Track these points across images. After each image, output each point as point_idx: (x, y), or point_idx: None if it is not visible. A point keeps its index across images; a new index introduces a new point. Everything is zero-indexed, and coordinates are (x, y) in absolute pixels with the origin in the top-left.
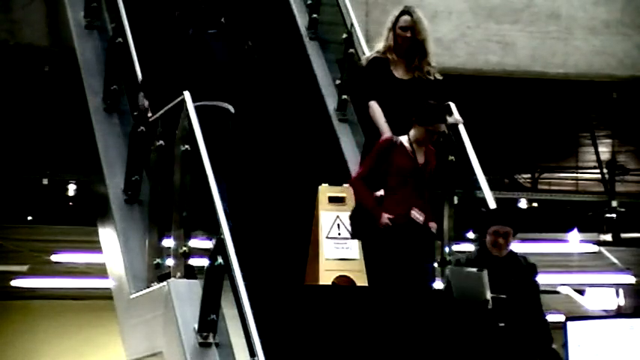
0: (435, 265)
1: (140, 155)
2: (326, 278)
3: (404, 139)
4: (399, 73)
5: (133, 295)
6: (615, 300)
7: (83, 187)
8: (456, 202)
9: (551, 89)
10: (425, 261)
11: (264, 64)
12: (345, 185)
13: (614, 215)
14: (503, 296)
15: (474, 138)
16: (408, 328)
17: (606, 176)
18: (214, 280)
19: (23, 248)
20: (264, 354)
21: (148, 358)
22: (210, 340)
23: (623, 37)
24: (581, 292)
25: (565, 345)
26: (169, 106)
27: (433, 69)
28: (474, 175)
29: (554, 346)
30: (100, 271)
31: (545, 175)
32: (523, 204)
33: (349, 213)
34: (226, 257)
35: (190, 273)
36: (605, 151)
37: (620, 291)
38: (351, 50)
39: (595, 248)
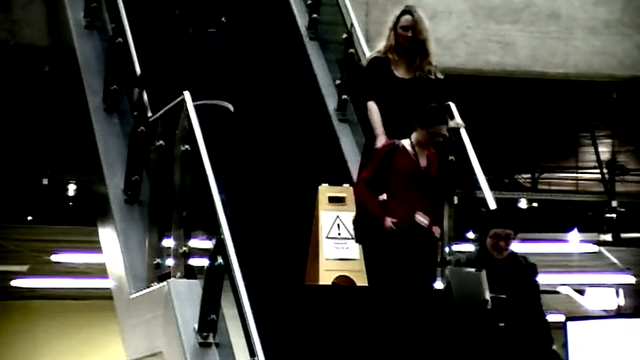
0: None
1: (140, 155)
2: (326, 278)
3: (406, 143)
4: (400, 73)
5: (133, 295)
6: (615, 300)
7: (83, 187)
8: (456, 202)
9: (551, 89)
10: (428, 265)
11: (265, 64)
12: (345, 185)
13: (614, 215)
14: (503, 296)
15: (474, 138)
16: (408, 328)
17: (606, 176)
18: (214, 280)
19: (23, 248)
20: (264, 354)
21: (148, 358)
22: (210, 340)
23: (623, 37)
24: (581, 292)
25: (565, 345)
26: (169, 106)
27: (434, 68)
28: (474, 175)
29: (554, 347)
30: (100, 271)
31: (545, 175)
32: (523, 204)
33: (350, 214)
34: (226, 257)
35: (190, 273)
36: (605, 151)
37: (620, 291)
38: (351, 50)
39: (595, 248)
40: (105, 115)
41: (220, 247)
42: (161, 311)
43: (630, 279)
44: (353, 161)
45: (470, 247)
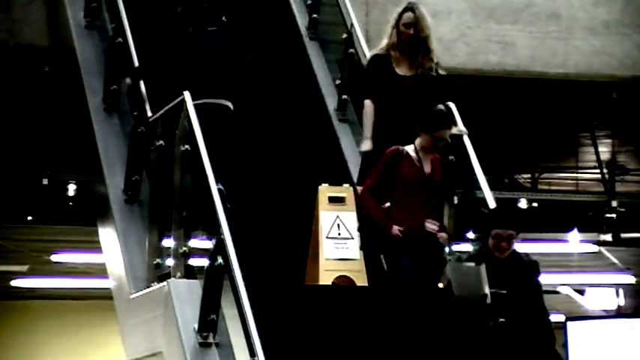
0: None
1: (140, 155)
2: (326, 278)
3: (410, 149)
4: (401, 70)
5: (133, 295)
6: (615, 300)
7: (83, 187)
8: (456, 202)
9: (551, 89)
10: (434, 271)
11: (265, 64)
12: (345, 185)
13: (614, 215)
14: (504, 292)
15: (474, 138)
16: (408, 327)
17: (606, 176)
18: (214, 280)
19: (23, 248)
20: (264, 354)
21: (148, 358)
22: (210, 340)
23: (623, 38)
24: (581, 292)
25: (565, 345)
26: (169, 106)
27: (436, 65)
28: (474, 174)
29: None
30: (100, 271)
31: (545, 175)
32: (523, 204)
33: (350, 214)
34: (226, 257)
35: (190, 273)
36: (605, 151)
37: (620, 291)
38: (351, 50)
39: (595, 248)
40: (105, 115)
41: (220, 247)
42: (161, 311)
43: (630, 279)
44: (353, 161)
45: (470, 247)
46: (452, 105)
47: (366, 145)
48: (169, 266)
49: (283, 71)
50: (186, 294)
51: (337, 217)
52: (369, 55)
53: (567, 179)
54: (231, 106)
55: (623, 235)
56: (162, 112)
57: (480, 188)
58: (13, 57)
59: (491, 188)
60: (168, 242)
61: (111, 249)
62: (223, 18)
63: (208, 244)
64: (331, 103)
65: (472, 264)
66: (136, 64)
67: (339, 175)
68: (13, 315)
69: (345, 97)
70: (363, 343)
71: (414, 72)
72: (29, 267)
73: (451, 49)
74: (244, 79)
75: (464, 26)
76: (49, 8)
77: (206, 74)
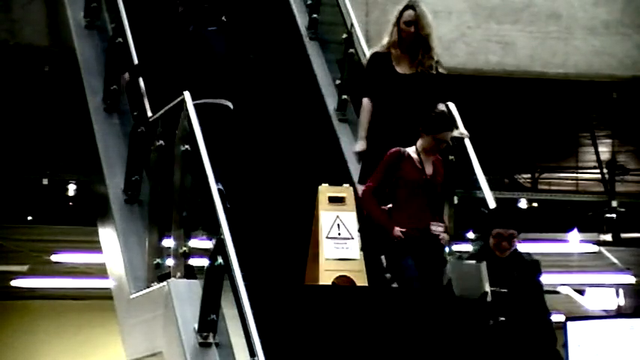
0: None
1: (140, 155)
2: (326, 278)
3: (411, 150)
4: (401, 68)
5: (133, 295)
6: (615, 300)
7: (83, 187)
8: (456, 202)
9: (551, 89)
10: (436, 272)
11: (265, 64)
12: (345, 185)
13: (614, 215)
14: (504, 290)
15: (474, 138)
16: (408, 327)
17: (606, 176)
18: (214, 280)
19: (23, 248)
20: (264, 354)
21: (148, 358)
22: (210, 340)
23: (623, 38)
24: (581, 292)
25: (565, 345)
26: (169, 106)
27: (436, 63)
28: (474, 175)
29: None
30: (100, 271)
31: (545, 175)
32: (523, 204)
33: (350, 214)
34: (226, 257)
35: (190, 273)
36: (605, 151)
37: (620, 291)
38: (351, 50)
39: (595, 248)
40: (105, 115)
41: (220, 247)
42: (161, 311)
43: (630, 279)
44: (353, 161)
45: (470, 247)
46: (452, 106)
47: (360, 146)
48: (169, 266)
49: (283, 71)
50: (186, 294)
51: (337, 217)
52: (369, 52)
53: (567, 179)
54: (231, 106)
55: (623, 235)
56: (162, 112)
57: (480, 188)
58: (13, 57)
59: (491, 188)
60: (168, 242)
61: (111, 249)
62: (223, 18)
63: (208, 244)
64: (331, 103)
65: (473, 262)
66: (136, 62)
67: (339, 175)
68: (13, 315)
69: (345, 97)
70: (363, 343)
71: (414, 70)
72: (29, 267)
73: (451, 49)
74: (244, 79)
75: (464, 26)
76: (49, 8)
77: (206, 74)
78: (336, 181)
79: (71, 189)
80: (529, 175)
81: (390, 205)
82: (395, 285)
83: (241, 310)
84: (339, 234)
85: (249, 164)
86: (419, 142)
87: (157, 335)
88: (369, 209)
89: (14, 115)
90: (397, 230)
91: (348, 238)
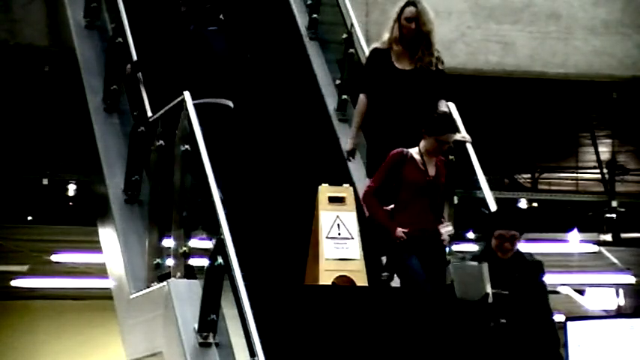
0: None
1: (140, 155)
2: (326, 278)
3: (414, 152)
4: (401, 65)
5: (133, 295)
6: (615, 300)
7: (83, 187)
8: (456, 202)
9: (551, 89)
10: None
11: (265, 64)
12: (345, 185)
13: (614, 215)
14: (505, 292)
15: (474, 138)
16: (408, 327)
17: (606, 176)
18: (214, 280)
19: (23, 248)
20: (264, 354)
21: (148, 358)
22: (210, 340)
23: (623, 37)
24: (581, 292)
25: (565, 345)
26: (169, 106)
27: (437, 60)
28: (475, 175)
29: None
30: (100, 271)
31: (545, 175)
32: (523, 204)
33: (350, 214)
34: (226, 257)
35: (190, 273)
36: (605, 151)
37: (620, 291)
38: (351, 50)
39: (595, 248)
40: (105, 115)
41: (220, 247)
42: (161, 311)
43: (630, 279)
44: (353, 161)
45: (470, 248)
46: (453, 108)
47: (348, 145)
48: (169, 266)
49: (283, 71)
50: (186, 294)
51: (337, 217)
52: (369, 48)
53: (567, 179)
54: (232, 106)
55: (623, 235)
56: (162, 112)
57: (480, 188)
58: (13, 57)
59: (491, 188)
60: (168, 242)
61: (111, 249)
62: (221, 16)
63: (208, 244)
64: (331, 103)
65: (474, 263)
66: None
67: (339, 175)
68: (13, 315)
69: (345, 97)
70: (363, 343)
71: (413, 66)
72: (29, 267)
73: (451, 49)
74: (245, 78)
75: (464, 26)
76: (49, 8)
77: (206, 74)
78: (336, 181)
79: (71, 189)
80: (529, 175)
81: (392, 206)
82: (393, 284)
83: (241, 310)
84: (339, 234)
85: (250, 164)
86: (421, 144)
87: (156, 335)
88: (370, 210)
89: (14, 115)
90: (399, 231)
91: (348, 238)
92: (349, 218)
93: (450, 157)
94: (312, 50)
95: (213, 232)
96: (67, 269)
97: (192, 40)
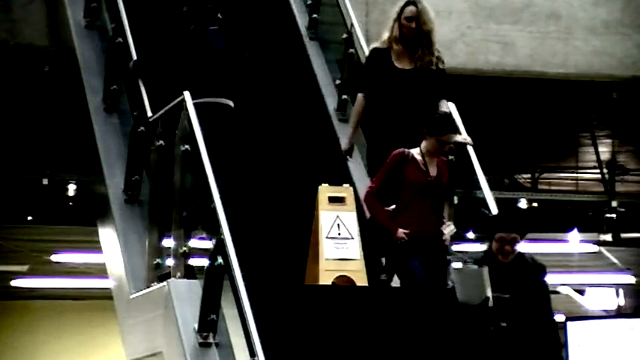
0: None
1: (140, 155)
2: (326, 278)
3: (415, 152)
4: (400, 64)
5: (133, 295)
6: (615, 300)
7: (83, 187)
8: (456, 202)
9: (551, 89)
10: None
11: (265, 64)
12: (345, 185)
13: (614, 215)
14: (506, 296)
15: (474, 138)
16: (409, 328)
17: (606, 176)
18: (214, 280)
19: (23, 248)
20: (264, 354)
21: (148, 358)
22: (210, 340)
23: (623, 37)
24: (581, 292)
25: (565, 345)
26: (169, 105)
27: (437, 59)
28: (475, 175)
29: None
30: (100, 271)
31: (545, 175)
32: (523, 204)
33: (350, 214)
34: (226, 257)
35: (190, 273)
36: (605, 151)
37: (620, 291)
38: (351, 50)
39: (595, 248)
40: (105, 115)
41: (220, 247)
42: (161, 311)
43: (630, 279)
44: (353, 161)
45: (470, 248)
46: (453, 108)
47: (344, 144)
48: (169, 266)
49: (284, 71)
50: (186, 294)
51: (337, 217)
52: (369, 48)
53: (567, 179)
54: (232, 105)
55: (623, 235)
56: (162, 112)
57: (480, 188)
58: (13, 57)
59: (491, 188)
60: (168, 242)
61: (111, 249)
62: (219, 15)
63: (208, 244)
64: (331, 103)
65: (475, 267)
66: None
67: (339, 175)
68: (13, 315)
69: (345, 97)
70: (363, 343)
71: (413, 65)
72: (29, 267)
73: (451, 49)
74: (245, 78)
75: (464, 26)
76: (49, 8)
77: (207, 73)
78: (336, 181)
79: (71, 189)
80: (529, 175)
81: (394, 207)
82: (393, 285)
83: (241, 310)
84: (339, 234)
85: (250, 164)
86: (423, 144)
87: (156, 335)
88: (371, 211)
89: (14, 115)
90: (400, 232)
91: (348, 238)
92: (349, 218)
93: (450, 157)
94: (312, 50)
95: (213, 232)
96: (67, 269)
97: (192, 39)
